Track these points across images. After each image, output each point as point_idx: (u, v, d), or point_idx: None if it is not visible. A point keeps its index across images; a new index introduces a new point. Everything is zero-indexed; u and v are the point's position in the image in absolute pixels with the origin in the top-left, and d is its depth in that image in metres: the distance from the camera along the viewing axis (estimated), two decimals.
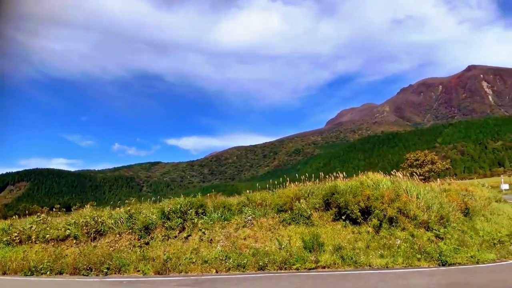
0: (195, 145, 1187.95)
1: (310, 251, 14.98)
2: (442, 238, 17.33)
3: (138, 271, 14.83)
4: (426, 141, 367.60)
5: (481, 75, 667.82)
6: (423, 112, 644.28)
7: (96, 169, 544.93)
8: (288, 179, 22.97)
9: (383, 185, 18.98)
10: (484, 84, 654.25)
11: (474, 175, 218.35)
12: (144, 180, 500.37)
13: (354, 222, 17.17)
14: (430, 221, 17.85)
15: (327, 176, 22.70)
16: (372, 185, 18.96)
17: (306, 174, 23.49)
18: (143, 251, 15.98)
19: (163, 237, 16.81)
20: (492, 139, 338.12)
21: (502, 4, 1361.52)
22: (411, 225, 17.57)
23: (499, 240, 18.44)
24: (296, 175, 24.98)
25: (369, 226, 16.90)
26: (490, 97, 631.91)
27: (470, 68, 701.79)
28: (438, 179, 67.83)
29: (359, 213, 16.94)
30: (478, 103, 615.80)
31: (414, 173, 67.29)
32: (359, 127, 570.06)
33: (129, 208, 18.44)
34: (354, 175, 22.57)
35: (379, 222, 16.95)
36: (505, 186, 67.35)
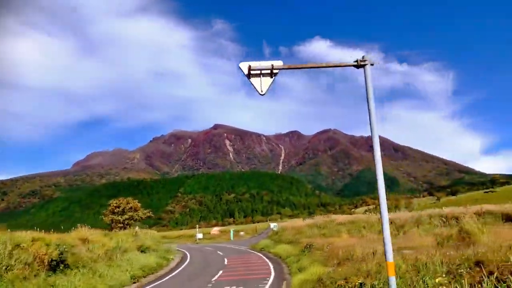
0: None
1: None
2: None
3: None
4: (169, 190, 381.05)
5: (225, 134, 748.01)
6: (172, 162, 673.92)
7: None
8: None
9: None
10: (227, 142, 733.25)
11: (203, 224, 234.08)
12: None
13: None
14: None
15: None
16: None
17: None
18: None
19: None
20: (227, 191, 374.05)
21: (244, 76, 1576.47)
22: None
23: None
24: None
25: None
26: (231, 154, 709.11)
27: (216, 126, 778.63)
28: (137, 227, 66.36)
29: None
30: (221, 159, 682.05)
31: (113, 220, 64.02)
32: (107, 172, 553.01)
33: None
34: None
35: None
36: (199, 236, 71.16)
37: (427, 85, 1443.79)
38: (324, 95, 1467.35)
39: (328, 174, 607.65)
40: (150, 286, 21.26)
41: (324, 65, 10.68)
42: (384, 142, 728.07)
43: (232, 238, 66.77)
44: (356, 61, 10.40)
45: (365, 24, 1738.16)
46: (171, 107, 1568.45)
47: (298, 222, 52.75)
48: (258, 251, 39.52)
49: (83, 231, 25.80)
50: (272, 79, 10.60)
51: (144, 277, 24.52)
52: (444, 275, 8.83)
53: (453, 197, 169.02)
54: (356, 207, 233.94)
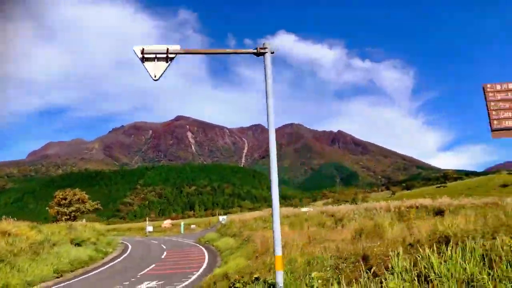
0: None
1: None
2: None
3: None
4: (128, 182, 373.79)
5: (187, 126, 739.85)
6: (132, 154, 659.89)
7: None
8: None
9: None
10: (189, 134, 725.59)
11: (161, 217, 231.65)
12: None
13: None
14: None
15: None
16: None
17: None
18: None
19: None
20: (187, 184, 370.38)
21: (210, 67, 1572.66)
22: None
23: None
24: None
25: None
26: (193, 146, 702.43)
27: (178, 118, 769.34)
28: (84, 219, 64.50)
29: None
30: (183, 151, 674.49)
31: (59, 212, 61.78)
32: (64, 162, 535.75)
33: None
34: None
35: None
36: (149, 228, 69.96)
37: (389, 82, 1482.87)
38: (288, 89, 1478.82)
39: (291, 168, 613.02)
40: (72, 281, 20.45)
41: (222, 51, 10.23)
42: (345, 136, 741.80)
43: (182, 231, 65.95)
44: (256, 48, 9.99)
45: (330, 20, 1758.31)
46: (133, 98, 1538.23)
47: (248, 215, 52.68)
48: (202, 244, 39.09)
49: (4, 223, 24.52)
50: (167, 64, 10.07)
51: (72, 271, 23.61)
52: (328, 269, 8.63)
53: (408, 192, 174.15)
54: (315, 200, 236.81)
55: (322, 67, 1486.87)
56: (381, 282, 7.37)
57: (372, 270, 7.78)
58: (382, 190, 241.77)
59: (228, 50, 10.19)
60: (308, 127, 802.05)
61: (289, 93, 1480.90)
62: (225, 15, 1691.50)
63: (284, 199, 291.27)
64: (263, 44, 10.12)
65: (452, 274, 6.81)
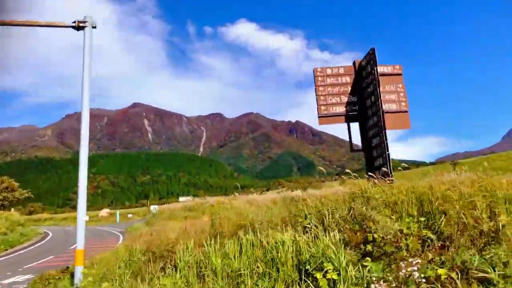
0: None
1: None
2: None
3: None
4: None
5: (144, 113, 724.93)
6: None
7: None
8: None
9: None
10: (146, 121, 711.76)
11: (114, 206, 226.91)
12: None
13: None
14: None
15: None
16: None
17: None
18: None
19: None
20: (142, 173, 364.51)
21: (170, 55, 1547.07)
22: None
23: None
24: None
25: None
26: (149, 134, 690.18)
27: (135, 105, 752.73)
28: (13, 209, 61.37)
29: None
30: (139, 139, 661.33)
31: None
32: (13, 149, 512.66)
33: None
34: None
35: None
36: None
37: None
38: (248, 78, 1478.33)
39: (249, 157, 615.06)
40: None
41: (35, 23, 9.23)
42: (303, 127, 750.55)
43: (118, 221, 64.69)
44: (75, 22, 9.11)
45: (291, 10, 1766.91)
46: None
47: (176, 205, 51.94)
48: (127, 233, 38.04)
49: None
50: None
51: None
52: (127, 264, 8.03)
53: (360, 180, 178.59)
54: (269, 189, 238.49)
55: (281, 57, 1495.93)
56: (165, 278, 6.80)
57: (160, 266, 7.22)
58: (335, 179, 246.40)
59: (42, 22, 9.21)
60: (266, 117, 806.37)
61: (248, 82, 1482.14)
62: (185, 2, 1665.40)
63: (242, 188, 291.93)
64: (84, 17, 9.26)
65: (224, 269, 6.30)
